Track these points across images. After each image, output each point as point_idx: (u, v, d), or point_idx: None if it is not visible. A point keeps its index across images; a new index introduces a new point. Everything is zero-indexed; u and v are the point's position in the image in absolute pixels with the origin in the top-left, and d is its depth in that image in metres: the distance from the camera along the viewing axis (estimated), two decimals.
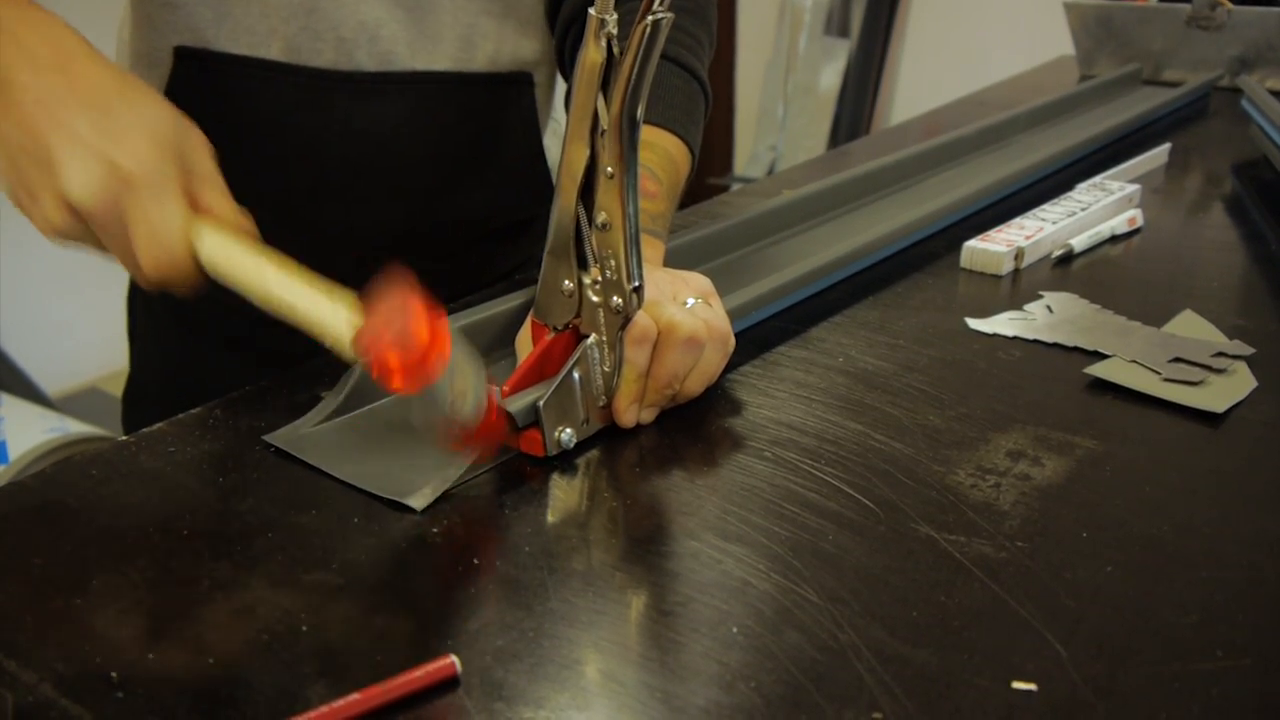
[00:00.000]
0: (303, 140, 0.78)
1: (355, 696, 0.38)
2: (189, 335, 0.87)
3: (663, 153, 0.72)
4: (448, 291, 0.69)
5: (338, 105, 0.77)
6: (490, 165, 0.85)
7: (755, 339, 0.70)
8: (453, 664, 0.40)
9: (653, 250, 0.66)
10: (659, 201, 0.69)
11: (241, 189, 0.78)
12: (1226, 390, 0.62)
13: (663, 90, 0.76)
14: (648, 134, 0.74)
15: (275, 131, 0.77)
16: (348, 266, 0.82)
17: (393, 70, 0.76)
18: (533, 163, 0.89)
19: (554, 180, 0.58)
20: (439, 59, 0.78)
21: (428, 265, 0.74)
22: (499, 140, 0.85)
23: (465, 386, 0.50)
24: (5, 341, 2.21)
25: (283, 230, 0.80)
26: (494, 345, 0.67)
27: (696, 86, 0.78)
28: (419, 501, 0.51)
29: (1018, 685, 0.40)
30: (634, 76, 0.50)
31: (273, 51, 0.75)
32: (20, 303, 2.33)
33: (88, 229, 0.54)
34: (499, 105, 0.84)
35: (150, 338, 0.90)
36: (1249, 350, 0.67)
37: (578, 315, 0.56)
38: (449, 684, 0.40)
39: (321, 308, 0.53)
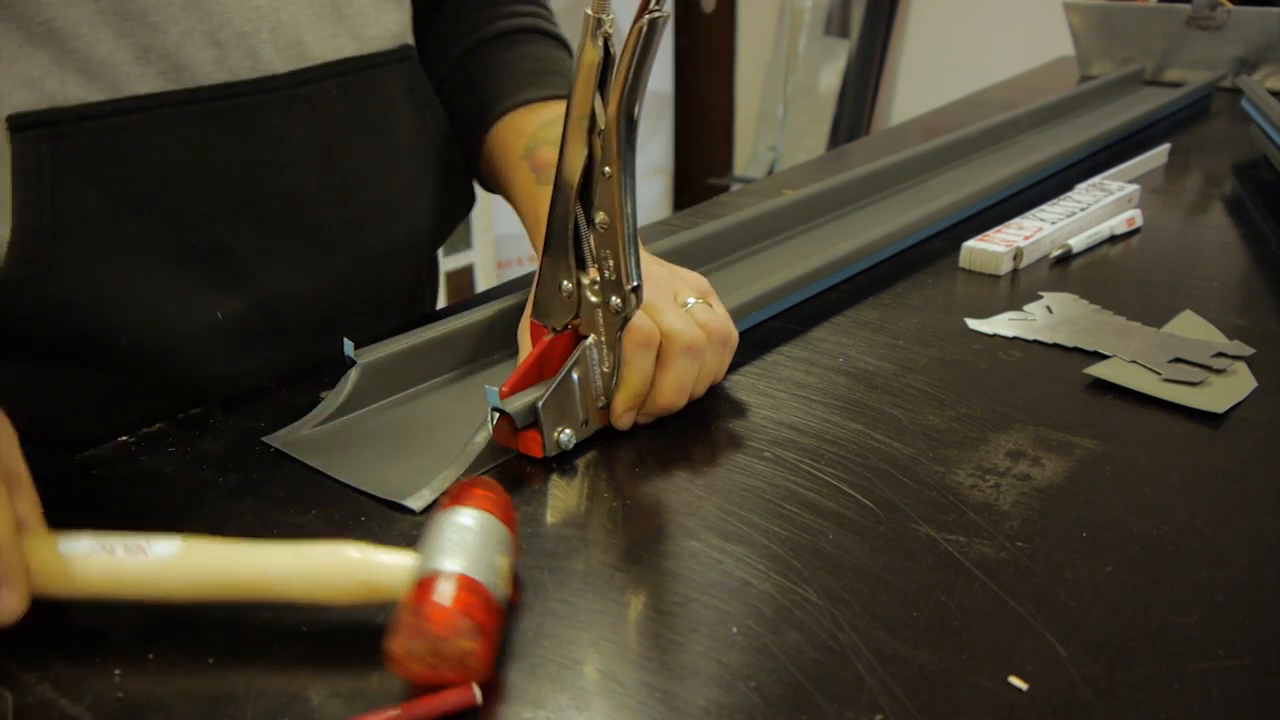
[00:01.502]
0: (224, 186, 0.63)
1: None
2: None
3: None
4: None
5: (256, 127, 0.63)
6: (423, 161, 0.76)
7: (755, 339, 0.70)
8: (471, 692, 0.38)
9: None
10: None
11: (160, 268, 0.62)
12: (1226, 391, 0.62)
13: (548, 63, 0.78)
14: (553, 109, 0.74)
15: (185, 186, 0.61)
16: (310, 327, 0.69)
17: (306, 66, 0.66)
18: (450, 148, 0.79)
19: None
20: (345, 42, 0.68)
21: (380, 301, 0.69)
22: (422, 128, 0.76)
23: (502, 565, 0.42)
24: None
25: (224, 302, 0.65)
26: (494, 346, 0.67)
27: (564, 50, 0.81)
28: (418, 503, 0.51)
29: (1014, 680, 0.40)
30: (631, 75, 0.50)
31: (148, 82, 0.59)
32: None
33: None
34: (405, 88, 0.74)
35: None
36: (1249, 350, 0.67)
37: (576, 316, 0.56)
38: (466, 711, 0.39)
39: (315, 555, 0.42)
